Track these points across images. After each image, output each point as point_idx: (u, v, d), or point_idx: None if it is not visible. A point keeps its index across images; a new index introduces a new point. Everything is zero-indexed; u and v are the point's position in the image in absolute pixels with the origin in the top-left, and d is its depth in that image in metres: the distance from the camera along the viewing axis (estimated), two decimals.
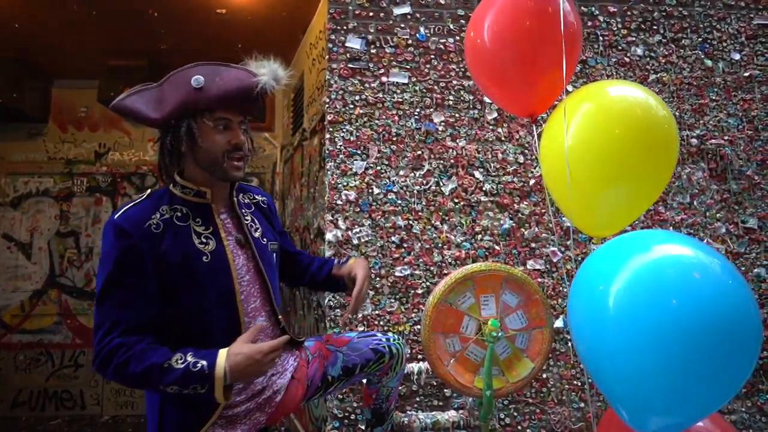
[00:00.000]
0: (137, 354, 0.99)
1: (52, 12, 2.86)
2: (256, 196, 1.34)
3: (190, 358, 1.01)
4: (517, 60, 1.27)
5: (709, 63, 2.35)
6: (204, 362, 1.00)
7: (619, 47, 2.32)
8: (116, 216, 1.06)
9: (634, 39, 2.33)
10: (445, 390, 2.02)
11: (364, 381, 1.43)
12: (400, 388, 1.98)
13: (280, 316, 1.22)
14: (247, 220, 1.23)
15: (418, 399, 2.00)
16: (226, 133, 1.13)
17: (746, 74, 2.35)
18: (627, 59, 2.31)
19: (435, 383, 2.02)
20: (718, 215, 2.26)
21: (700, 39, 2.36)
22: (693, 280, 0.85)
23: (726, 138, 2.31)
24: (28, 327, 3.61)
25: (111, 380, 1.02)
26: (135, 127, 3.83)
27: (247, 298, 1.16)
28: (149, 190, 1.16)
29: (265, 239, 1.25)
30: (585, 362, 0.98)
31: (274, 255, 1.28)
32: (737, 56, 2.36)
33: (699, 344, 0.82)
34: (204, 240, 1.12)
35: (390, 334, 1.52)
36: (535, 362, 1.51)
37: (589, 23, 2.31)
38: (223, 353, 1.02)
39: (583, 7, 2.31)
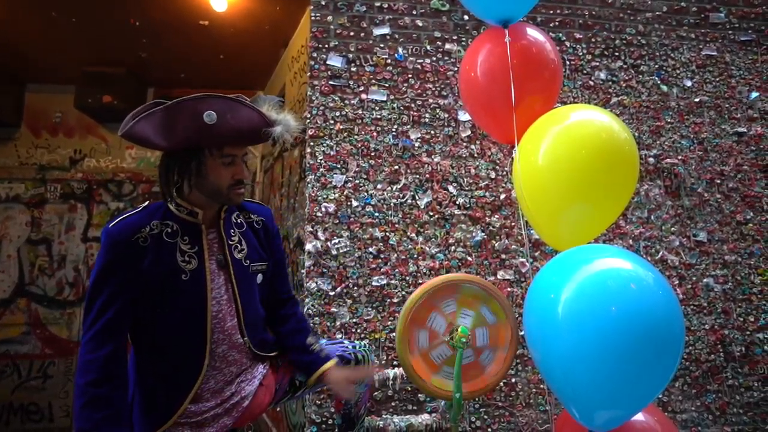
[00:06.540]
0: (86, 363, 1.07)
1: (30, 17, 2.84)
2: (252, 215, 1.34)
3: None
4: (503, 94, 1.36)
5: (664, 88, 2.54)
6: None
7: (584, 71, 2.48)
8: (111, 225, 1.12)
9: (597, 64, 2.50)
10: (419, 395, 2.10)
11: None
12: (375, 393, 2.05)
13: (245, 337, 1.24)
14: (232, 241, 1.25)
15: (393, 404, 2.08)
16: (230, 168, 1.18)
17: (697, 99, 2.56)
18: (591, 83, 2.48)
19: (409, 388, 2.10)
20: (672, 229, 2.43)
21: (656, 66, 2.55)
22: (630, 290, 0.97)
23: (680, 158, 2.50)
24: None
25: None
26: (112, 134, 3.80)
27: (223, 317, 1.21)
28: (146, 203, 1.19)
29: (247, 261, 1.26)
30: (539, 366, 1.08)
31: (258, 276, 1.29)
32: (689, 83, 2.56)
33: (634, 345, 0.93)
34: (187, 258, 1.16)
35: (356, 341, 1.59)
36: (488, 382, 1.57)
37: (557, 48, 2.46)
38: None
39: (551, 33, 2.47)
